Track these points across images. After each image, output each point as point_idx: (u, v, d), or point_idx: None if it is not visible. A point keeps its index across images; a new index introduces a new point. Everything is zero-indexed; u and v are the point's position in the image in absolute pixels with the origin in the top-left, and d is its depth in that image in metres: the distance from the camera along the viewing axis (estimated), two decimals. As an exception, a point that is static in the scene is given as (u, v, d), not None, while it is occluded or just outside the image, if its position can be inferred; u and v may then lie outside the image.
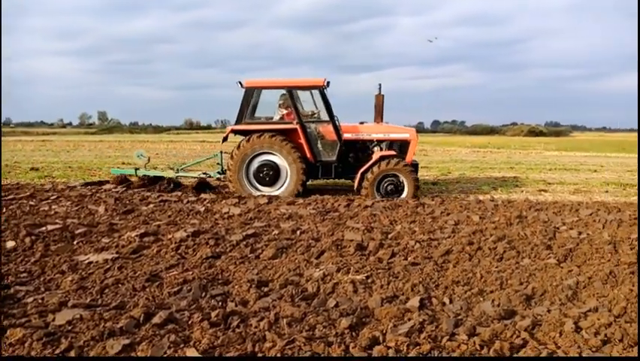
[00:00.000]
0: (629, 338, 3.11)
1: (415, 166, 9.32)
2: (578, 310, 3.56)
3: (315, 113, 9.44)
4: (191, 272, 4.40)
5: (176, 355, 2.84)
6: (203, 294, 3.88)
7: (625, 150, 30.72)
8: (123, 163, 15.45)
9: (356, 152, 9.61)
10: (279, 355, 2.82)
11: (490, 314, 3.49)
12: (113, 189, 9.37)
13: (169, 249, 5.12)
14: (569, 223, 6.53)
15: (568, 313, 3.51)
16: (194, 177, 10.04)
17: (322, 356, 2.85)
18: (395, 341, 2.96)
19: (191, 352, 2.84)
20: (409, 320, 3.35)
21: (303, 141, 9.09)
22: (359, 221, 6.71)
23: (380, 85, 9.59)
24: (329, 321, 3.34)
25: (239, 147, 9.05)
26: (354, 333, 3.17)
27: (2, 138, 26.32)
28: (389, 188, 8.86)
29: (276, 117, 9.59)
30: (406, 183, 8.86)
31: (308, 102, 9.54)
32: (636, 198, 10.19)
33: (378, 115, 9.81)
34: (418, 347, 2.88)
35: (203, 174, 10.16)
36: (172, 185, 9.70)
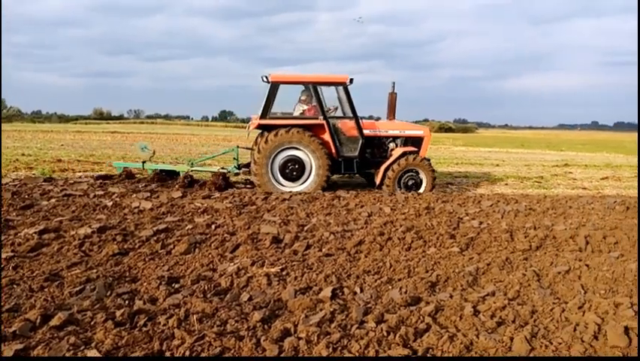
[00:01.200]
0: (520, 319, 3.40)
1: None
2: (477, 295, 3.82)
3: (335, 109, 9.45)
4: (95, 270, 4.17)
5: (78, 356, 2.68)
6: (109, 293, 3.69)
7: (523, 146, 33.35)
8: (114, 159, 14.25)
9: (373, 147, 9.75)
10: (187, 353, 2.75)
11: (398, 301, 3.64)
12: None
13: (71, 246, 4.80)
14: (472, 214, 6.98)
15: (468, 297, 3.76)
16: (212, 172, 9.59)
17: (233, 351, 2.82)
18: (306, 331, 3.01)
19: (92, 353, 2.70)
20: (321, 310, 3.42)
21: (328, 136, 9.16)
22: (276, 214, 6.70)
23: (394, 83, 9.78)
24: (241, 315, 3.32)
25: (266, 141, 8.84)
26: (266, 326, 3.17)
27: None
28: (410, 183, 9.31)
29: (297, 112, 9.51)
30: (424, 178, 9.36)
31: (330, 98, 9.57)
32: (532, 190, 11.11)
33: (391, 112, 10.07)
34: (328, 337, 2.94)
35: (222, 168, 9.77)
36: (190, 179, 9.23)
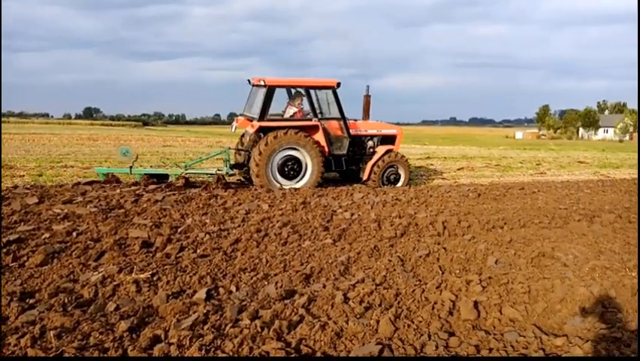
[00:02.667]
0: (386, 302, 3.64)
1: None
2: (348, 283, 4.01)
3: (322, 111, 9.98)
4: None
5: None
6: (-57, 317, 3.22)
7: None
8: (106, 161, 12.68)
9: (355, 146, 10.37)
10: (42, 373, 2.51)
11: (273, 296, 3.69)
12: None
13: None
14: (344, 206, 7.30)
15: (340, 286, 3.93)
16: (209, 174, 9.69)
17: (96, 365, 2.64)
18: (178, 336, 2.91)
19: None
20: (195, 312, 3.34)
21: (320, 136, 9.69)
22: (147, 217, 6.37)
23: (368, 87, 10.69)
24: (106, 326, 3.11)
25: (266, 143, 9.16)
26: (134, 335, 3.01)
27: None
28: (392, 177, 10.25)
29: (287, 114, 9.86)
30: (402, 173, 10.35)
31: (320, 101, 10.07)
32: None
33: (366, 113, 10.86)
34: (200, 339, 2.88)
35: (218, 170, 9.74)
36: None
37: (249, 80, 9.96)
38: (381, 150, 10.32)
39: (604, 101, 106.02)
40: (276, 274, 4.29)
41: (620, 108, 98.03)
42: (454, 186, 10.46)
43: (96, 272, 4.16)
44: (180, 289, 3.86)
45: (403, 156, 10.43)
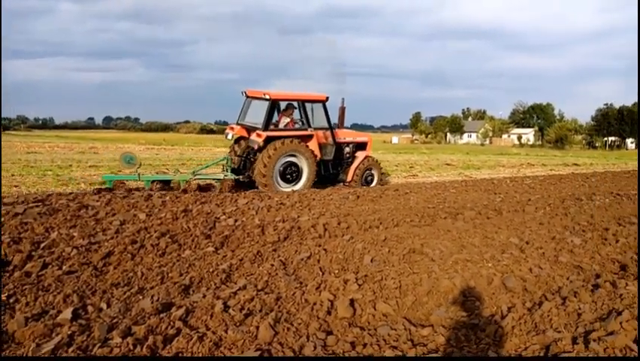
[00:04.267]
0: (267, 307, 3.66)
1: None
2: (229, 291, 3.96)
3: (313, 121, 11.00)
4: None
5: None
6: None
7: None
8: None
9: (337, 152, 11.61)
10: None
11: (149, 311, 3.52)
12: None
13: None
14: (228, 213, 7.20)
15: (220, 295, 3.86)
16: (217, 179, 10.41)
17: None
18: (36, 363, 2.66)
19: None
20: (58, 335, 3.06)
21: (314, 144, 10.87)
22: (5, 232, 5.70)
23: (343, 99, 12.10)
24: (-52, 360, 2.73)
25: (274, 149, 10.11)
26: (-18, 367, 2.68)
27: None
28: (368, 178, 11.90)
29: (282, 125, 10.94)
30: (375, 175, 12.05)
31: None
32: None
33: (341, 123, 12.21)
34: (64, 363, 2.65)
35: (226, 175, 10.48)
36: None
37: (243, 92, 11.13)
38: (360, 155, 11.87)
39: (467, 108, 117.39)
40: (152, 287, 4.10)
41: (481, 115, 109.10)
42: (335, 189, 10.84)
43: (-64, 299, 3.63)
44: (42, 310, 3.52)
45: (376, 160, 12.21)
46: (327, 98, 11.23)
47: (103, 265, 4.63)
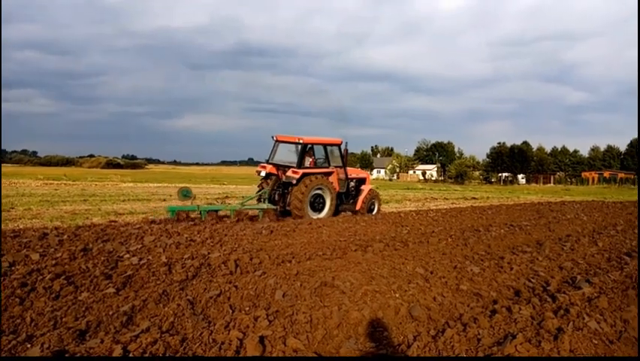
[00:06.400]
0: (171, 350, 3.48)
1: None
2: (130, 335, 3.71)
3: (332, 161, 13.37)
4: None
5: None
6: None
7: (191, 181, 34.99)
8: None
9: (346, 186, 13.76)
10: None
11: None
12: None
13: None
14: (133, 251, 6.82)
15: (120, 339, 3.60)
16: (260, 209, 11.97)
17: None
18: None
19: None
20: None
21: (335, 179, 13.17)
22: None
23: (346, 142, 13.69)
24: None
25: (306, 185, 12.21)
26: None
27: None
28: (372, 207, 14.35)
29: (307, 163, 12.83)
30: (376, 205, 14.57)
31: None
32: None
33: (344, 163, 13.69)
34: None
35: (268, 206, 12.08)
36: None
37: (272, 137, 13.19)
38: (365, 188, 14.22)
39: (376, 145, 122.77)
40: (43, 334, 3.73)
41: (389, 152, 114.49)
42: (248, 224, 10.70)
43: None
44: None
45: (377, 193, 14.73)
46: (342, 141, 13.57)
47: (-16, 313, 4.16)
